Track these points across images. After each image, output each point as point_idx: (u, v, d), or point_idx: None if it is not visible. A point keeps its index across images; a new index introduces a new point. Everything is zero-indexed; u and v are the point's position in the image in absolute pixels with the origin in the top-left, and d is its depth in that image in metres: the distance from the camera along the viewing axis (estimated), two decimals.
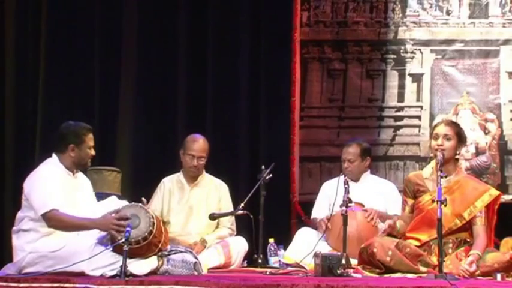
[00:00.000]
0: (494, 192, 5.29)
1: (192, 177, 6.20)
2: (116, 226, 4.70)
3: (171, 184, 6.23)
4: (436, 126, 5.41)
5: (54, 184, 4.89)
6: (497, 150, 7.11)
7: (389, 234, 5.45)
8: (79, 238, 4.81)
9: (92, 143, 5.11)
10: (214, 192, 6.20)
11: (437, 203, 4.73)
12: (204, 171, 6.25)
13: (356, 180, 6.27)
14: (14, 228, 4.99)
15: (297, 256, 5.72)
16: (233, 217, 6.17)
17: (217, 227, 6.15)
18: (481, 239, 5.15)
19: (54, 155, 5.08)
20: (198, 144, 6.11)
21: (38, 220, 4.85)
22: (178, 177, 6.26)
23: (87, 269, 4.65)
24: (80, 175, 5.20)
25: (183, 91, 7.38)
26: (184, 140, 6.21)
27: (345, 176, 5.41)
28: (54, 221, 4.82)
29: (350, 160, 6.26)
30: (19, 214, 4.98)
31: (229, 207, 6.18)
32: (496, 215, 5.30)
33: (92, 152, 5.12)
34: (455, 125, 5.41)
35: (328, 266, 4.71)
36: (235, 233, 6.18)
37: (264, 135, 7.32)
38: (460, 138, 5.31)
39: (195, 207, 6.15)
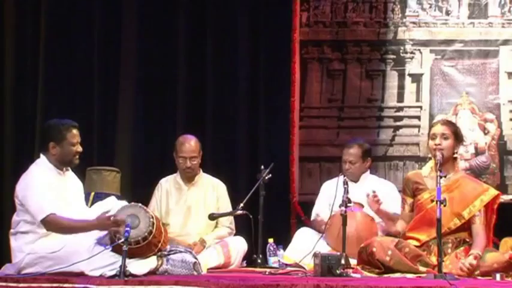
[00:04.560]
0: (493, 191, 5.29)
1: (189, 178, 6.20)
2: (114, 223, 4.69)
3: (168, 185, 6.23)
4: (433, 126, 5.42)
5: (46, 187, 4.85)
6: (497, 150, 7.12)
7: (389, 234, 5.45)
8: (78, 238, 4.79)
9: (75, 140, 4.99)
10: (212, 191, 6.21)
11: (436, 203, 4.73)
12: (201, 170, 6.26)
13: (356, 180, 6.27)
14: (12, 230, 4.97)
15: (296, 256, 5.72)
16: (232, 216, 6.17)
17: (216, 227, 6.15)
18: (480, 238, 5.15)
19: (41, 155, 5.03)
20: (187, 146, 6.09)
21: (35, 222, 4.84)
22: (175, 177, 6.25)
23: (86, 269, 4.64)
24: (70, 174, 5.15)
25: (182, 91, 7.38)
26: (175, 142, 6.21)
27: (344, 176, 5.40)
28: (53, 225, 4.80)
29: (351, 162, 6.25)
30: (15, 218, 4.96)
31: (228, 206, 6.18)
32: (495, 215, 5.29)
33: (78, 148, 5.01)
34: (452, 124, 5.42)
35: (327, 266, 4.70)
36: (234, 232, 6.18)
37: (264, 135, 7.33)
38: (457, 137, 5.31)
39: (194, 207, 6.15)
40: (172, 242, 5.56)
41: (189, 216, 6.14)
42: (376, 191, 5.49)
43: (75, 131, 5.01)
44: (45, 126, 5.13)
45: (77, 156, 5.05)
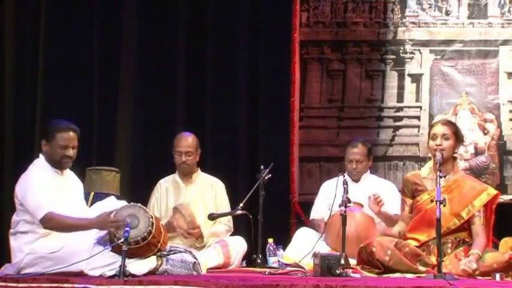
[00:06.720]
0: (492, 191, 5.29)
1: (186, 175, 6.21)
2: (113, 223, 4.70)
3: (167, 184, 6.26)
4: (433, 126, 5.41)
5: (45, 187, 4.85)
6: (496, 150, 7.12)
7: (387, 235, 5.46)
8: (78, 238, 4.79)
9: (65, 143, 4.91)
10: (210, 190, 6.22)
11: (436, 203, 4.73)
12: (199, 169, 6.27)
13: (357, 180, 6.27)
14: (11, 230, 4.98)
15: (296, 256, 5.72)
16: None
17: (214, 224, 6.15)
18: (480, 238, 5.15)
19: (40, 155, 5.04)
20: (183, 140, 6.16)
21: (35, 222, 4.84)
22: (174, 177, 6.28)
23: (86, 269, 4.64)
24: (69, 174, 5.14)
25: (182, 91, 7.39)
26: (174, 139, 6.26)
27: (344, 176, 5.40)
28: (52, 223, 4.80)
29: (358, 160, 6.24)
30: (14, 217, 4.97)
31: (226, 204, 6.19)
32: (494, 215, 5.29)
33: (67, 152, 4.93)
34: (452, 124, 5.42)
35: (327, 266, 4.69)
36: (232, 230, 6.18)
37: (264, 135, 7.33)
38: (458, 137, 5.31)
39: (192, 205, 6.14)
40: (170, 225, 5.70)
41: None
42: (378, 193, 5.52)
43: (67, 134, 4.95)
44: (47, 124, 5.15)
45: (67, 160, 4.98)
